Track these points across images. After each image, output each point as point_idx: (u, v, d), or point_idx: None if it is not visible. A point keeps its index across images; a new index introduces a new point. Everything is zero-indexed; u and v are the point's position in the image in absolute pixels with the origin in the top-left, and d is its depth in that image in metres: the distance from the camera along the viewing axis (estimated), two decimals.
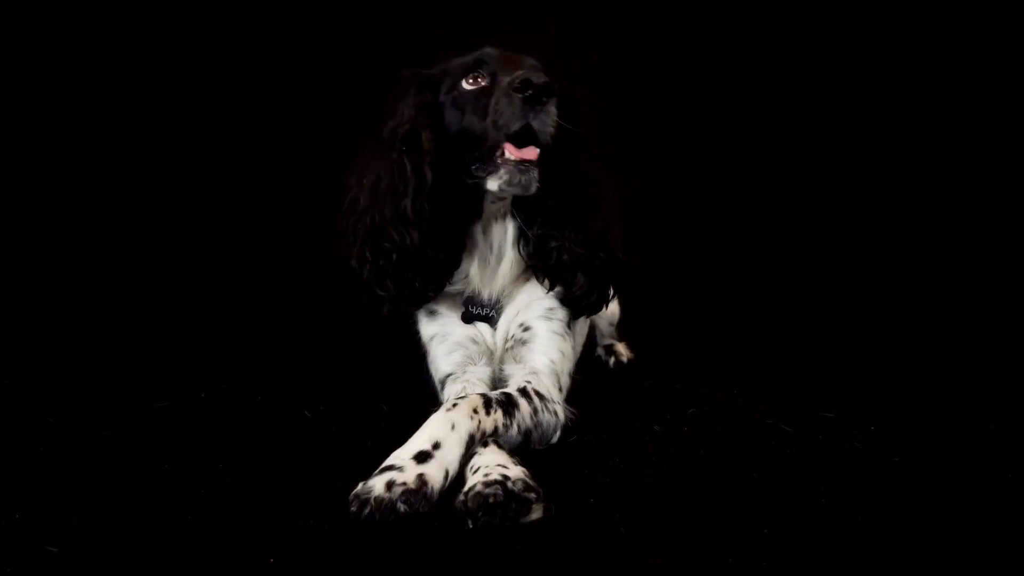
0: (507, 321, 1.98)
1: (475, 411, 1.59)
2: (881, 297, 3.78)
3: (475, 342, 1.98)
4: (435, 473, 1.43)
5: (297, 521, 1.34)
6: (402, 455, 1.45)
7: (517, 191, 1.76)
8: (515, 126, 1.66)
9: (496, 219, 1.92)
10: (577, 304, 1.96)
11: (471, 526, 1.33)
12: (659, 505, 1.45)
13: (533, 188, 1.74)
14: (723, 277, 4.11)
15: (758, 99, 4.14)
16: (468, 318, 1.98)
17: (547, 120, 1.66)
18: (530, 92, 1.63)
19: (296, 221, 4.00)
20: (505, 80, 1.68)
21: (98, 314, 3.34)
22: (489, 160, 1.74)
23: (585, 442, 1.83)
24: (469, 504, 1.35)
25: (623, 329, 3.03)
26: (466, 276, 1.94)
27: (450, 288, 1.96)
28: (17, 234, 3.57)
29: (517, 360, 1.93)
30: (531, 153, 1.69)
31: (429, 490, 1.39)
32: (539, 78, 1.63)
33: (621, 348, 2.97)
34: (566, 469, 1.65)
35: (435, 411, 1.59)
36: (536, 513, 1.37)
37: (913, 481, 1.61)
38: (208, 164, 3.95)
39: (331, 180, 4.07)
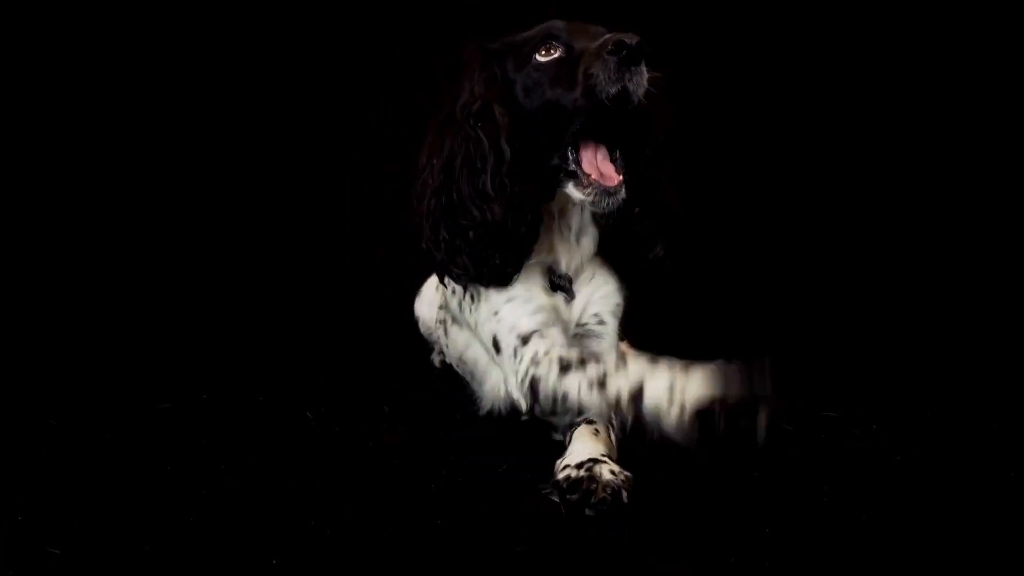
0: (582, 303, 1.92)
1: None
2: (883, 296, 3.77)
3: (557, 309, 1.90)
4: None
5: (299, 522, 1.34)
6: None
7: (597, 210, 1.74)
8: (613, 89, 1.58)
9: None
10: (647, 267, 1.92)
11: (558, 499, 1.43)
12: (660, 504, 1.45)
13: (614, 208, 1.70)
14: (724, 276, 4.11)
15: (762, 97, 4.14)
16: (554, 287, 1.90)
17: (641, 81, 1.60)
18: (625, 52, 1.57)
19: (298, 221, 4.01)
20: (594, 45, 1.63)
21: (100, 316, 3.34)
22: (572, 166, 1.70)
23: None
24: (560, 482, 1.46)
25: (624, 326, 3.03)
26: (547, 250, 1.87)
27: (528, 262, 1.85)
28: (18, 235, 3.57)
29: (586, 348, 1.87)
30: (615, 179, 1.66)
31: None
32: (631, 38, 1.57)
33: (623, 347, 2.97)
34: None
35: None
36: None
37: (916, 481, 1.61)
38: (209, 165, 3.95)
39: (332, 180, 4.10)
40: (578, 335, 1.90)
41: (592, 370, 1.56)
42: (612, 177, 1.67)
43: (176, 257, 3.82)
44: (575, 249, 1.89)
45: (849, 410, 2.14)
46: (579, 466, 1.50)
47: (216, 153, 3.94)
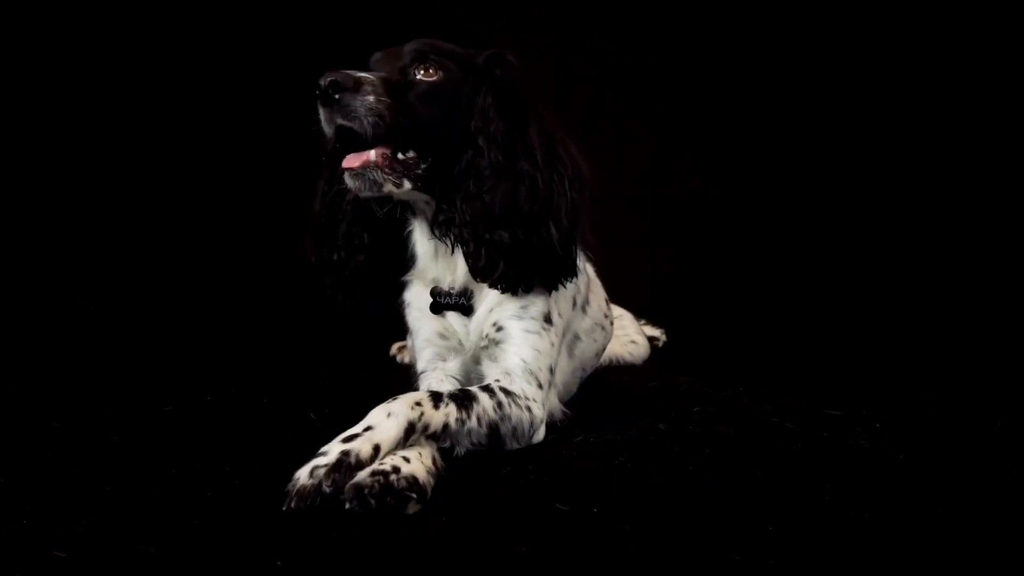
0: (482, 318, 1.93)
1: (418, 403, 1.59)
2: (887, 294, 3.77)
3: (444, 337, 1.97)
4: (360, 446, 1.45)
5: (303, 524, 1.34)
6: (330, 444, 1.48)
7: (374, 194, 1.72)
8: (328, 131, 1.69)
9: (425, 210, 1.89)
10: (490, 282, 1.81)
11: (347, 507, 1.37)
12: (664, 503, 1.45)
13: (389, 188, 1.71)
14: (726, 276, 4.11)
15: (764, 95, 4.13)
16: (436, 308, 1.95)
17: (354, 113, 1.62)
18: (318, 97, 1.63)
19: (302, 224, 4.01)
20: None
21: (103, 318, 3.35)
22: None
23: (590, 441, 1.83)
24: (347, 490, 1.38)
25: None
26: (422, 266, 1.94)
27: (408, 278, 1.99)
28: (20, 238, 3.58)
29: (493, 359, 1.90)
30: (356, 160, 1.67)
31: (352, 460, 1.42)
32: (329, 76, 1.60)
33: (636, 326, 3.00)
34: (571, 467, 1.65)
35: None
36: (412, 508, 1.39)
37: (919, 479, 1.61)
38: (211, 168, 3.96)
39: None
40: (485, 347, 1.91)
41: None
42: (353, 159, 1.68)
43: (181, 261, 3.84)
44: (458, 262, 1.88)
45: (852, 408, 2.14)
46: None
47: (218, 157, 3.95)
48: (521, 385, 1.81)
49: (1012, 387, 2.45)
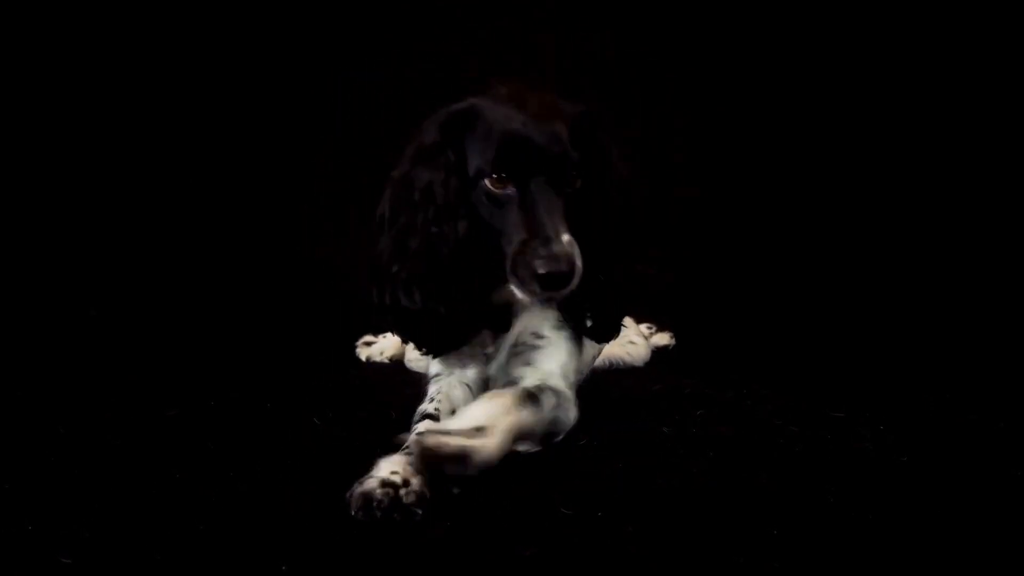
0: (519, 328, 1.99)
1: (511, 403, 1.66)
2: (890, 296, 3.77)
3: (469, 345, 1.98)
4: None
5: (308, 528, 1.35)
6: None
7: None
8: (535, 298, 1.76)
9: None
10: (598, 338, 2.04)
11: (352, 513, 1.38)
12: (667, 506, 1.45)
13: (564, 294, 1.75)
14: (728, 277, 4.11)
15: (768, 97, 4.14)
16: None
17: (569, 290, 1.69)
18: (544, 289, 1.67)
19: (307, 228, 4.03)
20: (530, 249, 1.66)
21: (107, 323, 3.35)
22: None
23: (593, 444, 1.83)
24: (354, 500, 1.39)
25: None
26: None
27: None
28: (24, 243, 3.59)
29: (528, 363, 1.95)
30: (560, 293, 1.71)
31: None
32: (559, 267, 1.63)
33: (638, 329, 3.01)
34: (575, 470, 1.65)
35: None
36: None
37: (923, 481, 1.61)
38: (212, 170, 3.98)
39: (339, 187, 4.11)
40: (518, 353, 1.97)
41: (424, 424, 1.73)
42: (559, 293, 1.71)
43: (184, 264, 3.85)
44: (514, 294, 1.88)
45: (855, 410, 2.14)
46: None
47: (221, 159, 3.96)
48: (560, 387, 1.89)
49: (1015, 388, 2.45)
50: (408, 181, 1.83)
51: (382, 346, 3.11)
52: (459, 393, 1.94)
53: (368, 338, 3.17)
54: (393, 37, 4.07)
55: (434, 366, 2.03)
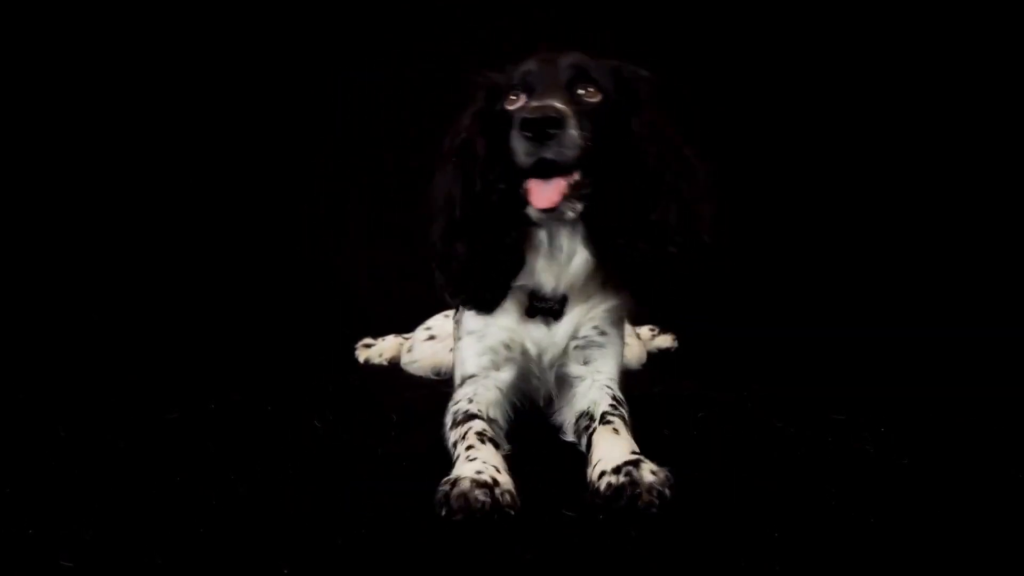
0: (577, 318, 1.95)
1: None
2: (891, 298, 3.77)
3: (508, 348, 1.96)
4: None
5: (309, 531, 1.35)
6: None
7: (553, 222, 1.79)
8: (528, 162, 1.65)
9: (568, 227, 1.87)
10: (656, 302, 1.97)
11: (455, 518, 1.37)
12: (669, 509, 1.45)
13: (569, 215, 1.74)
14: (729, 278, 4.10)
15: (771, 100, 4.13)
16: (533, 312, 1.94)
17: (563, 148, 1.63)
18: (530, 133, 1.62)
19: (309, 232, 4.02)
20: (520, 115, 1.65)
21: (108, 326, 3.35)
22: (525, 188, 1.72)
23: None
24: (452, 502, 1.39)
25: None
26: (531, 272, 1.89)
27: (515, 284, 1.91)
28: (25, 246, 3.59)
29: (588, 361, 1.96)
30: (551, 200, 1.67)
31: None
32: (543, 111, 1.61)
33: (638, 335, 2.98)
34: (575, 473, 1.65)
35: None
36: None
37: (924, 483, 1.61)
38: (213, 173, 3.97)
39: (342, 192, 4.10)
40: (579, 347, 1.95)
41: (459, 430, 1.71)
42: (543, 200, 1.68)
43: (184, 266, 3.84)
44: (564, 271, 1.88)
45: (856, 412, 2.14)
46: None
47: (223, 162, 3.96)
48: (617, 391, 1.91)
49: (1016, 390, 2.45)
50: (451, 148, 1.88)
51: (380, 348, 3.11)
52: (492, 396, 1.91)
53: (367, 340, 3.17)
54: (393, 37, 4.06)
55: (467, 366, 1.97)
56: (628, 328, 3.00)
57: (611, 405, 1.82)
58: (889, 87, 3.96)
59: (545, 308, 1.93)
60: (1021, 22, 3.70)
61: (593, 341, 1.95)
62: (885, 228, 3.97)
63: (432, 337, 2.86)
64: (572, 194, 1.71)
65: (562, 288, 1.91)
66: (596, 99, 1.75)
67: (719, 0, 4.13)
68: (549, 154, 1.63)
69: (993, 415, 2.15)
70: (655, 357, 3.04)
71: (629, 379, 2.69)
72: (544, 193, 1.67)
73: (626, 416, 1.80)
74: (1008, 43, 3.74)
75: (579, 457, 1.76)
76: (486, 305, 1.90)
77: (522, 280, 1.89)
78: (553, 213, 1.70)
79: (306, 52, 4.02)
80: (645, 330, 3.19)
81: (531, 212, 1.73)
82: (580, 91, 1.74)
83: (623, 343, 2.01)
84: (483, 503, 1.37)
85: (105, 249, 3.75)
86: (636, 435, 1.91)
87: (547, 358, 1.96)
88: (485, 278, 1.85)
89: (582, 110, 1.70)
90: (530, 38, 4.12)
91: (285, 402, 2.28)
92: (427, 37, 4.04)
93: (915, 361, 2.96)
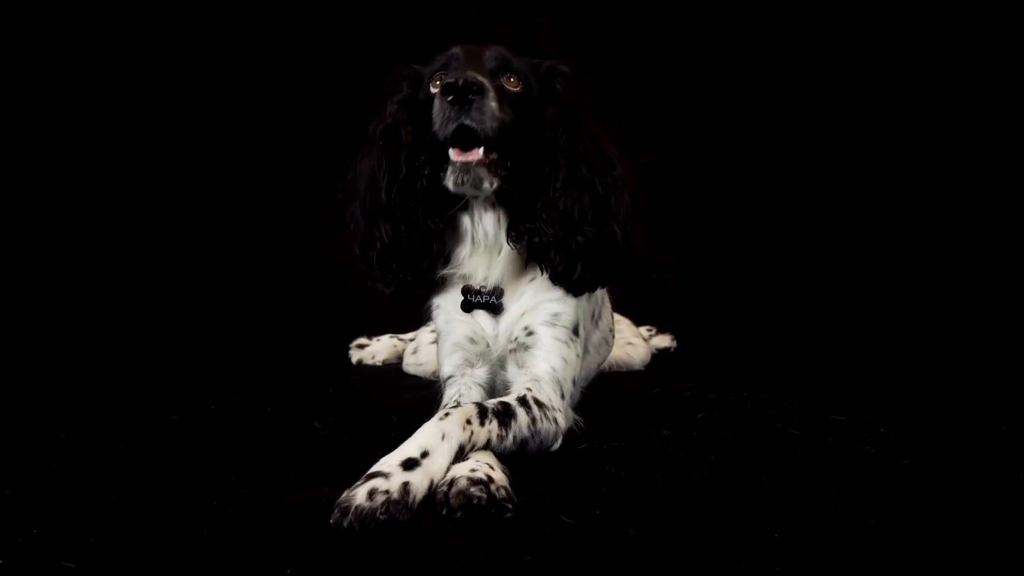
0: (512, 320, 1.97)
1: (468, 421, 1.60)
2: (891, 300, 3.77)
3: (473, 342, 1.99)
4: (420, 481, 1.44)
5: (310, 532, 1.35)
6: (390, 462, 1.46)
7: (469, 191, 1.80)
8: (449, 129, 1.70)
9: (485, 208, 1.92)
10: (567, 285, 1.91)
11: (456, 515, 1.38)
12: (669, 510, 1.45)
13: (486, 186, 1.77)
14: (731, 280, 4.11)
15: (772, 99, 4.14)
16: (467, 307, 1.99)
17: (482, 116, 1.68)
18: (452, 96, 1.66)
19: (309, 233, 4.02)
20: (443, 82, 1.71)
21: (108, 328, 3.35)
22: (446, 161, 1.77)
23: (595, 448, 1.83)
24: (452, 500, 1.40)
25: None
26: (459, 262, 1.95)
27: (445, 272, 1.98)
28: (27, 250, 3.59)
29: (519, 364, 1.94)
30: (472, 155, 1.72)
31: (411, 500, 1.40)
32: (464, 77, 1.65)
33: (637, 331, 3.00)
34: (576, 475, 1.65)
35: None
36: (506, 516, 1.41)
37: (924, 484, 1.61)
38: (214, 175, 3.98)
39: (337, 187, 4.12)
40: (513, 351, 1.95)
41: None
42: (469, 155, 1.72)
43: (185, 268, 3.84)
44: (495, 261, 1.93)
45: (857, 413, 2.14)
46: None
47: (224, 163, 3.97)
48: (548, 394, 1.84)
49: (1017, 391, 2.45)
50: (375, 133, 1.92)
51: (374, 349, 3.10)
52: (476, 394, 1.93)
53: (361, 340, 3.16)
54: (393, 37, 4.07)
55: (445, 367, 2.01)
56: (632, 329, 3.02)
57: (499, 404, 1.71)
58: (889, 87, 3.96)
59: (482, 303, 1.96)
60: (1021, 22, 3.70)
61: (523, 343, 1.94)
62: (885, 228, 3.97)
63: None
64: (492, 171, 1.76)
65: (493, 280, 1.95)
66: (517, 88, 1.82)
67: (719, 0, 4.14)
68: (469, 120, 1.67)
69: (993, 415, 2.15)
70: (655, 357, 3.03)
71: (631, 379, 2.72)
72: (463, 156, 1.72)
73: (520, 421, 1.71)
74: (1008, 43, 3.74)
75: (576, 459, 1.76)
76: (406, 288, 1.94)
77: (452, 268, 1.95)
78: (470, 175, 1.74)
79: (306, 53, 4.02)
80: (643, 330, 3.19)
81: (448, 181, 1.78)
82: (502, 79, 1.81)
83: (571, 343, 1.95)
84: (480, 499, 1.39)
85: (105, 252, 3.75)
86: (636, 435, 1.92)
87: (494, 355, 1.99)
88: (408, 261, 1.89)
89: (503, 96, 1.76)
90: (530, 41, 4.14)
91: (285, 403, 2.27)
92: (427, 37, 4.05)
93: (915, 362, 2.97)
